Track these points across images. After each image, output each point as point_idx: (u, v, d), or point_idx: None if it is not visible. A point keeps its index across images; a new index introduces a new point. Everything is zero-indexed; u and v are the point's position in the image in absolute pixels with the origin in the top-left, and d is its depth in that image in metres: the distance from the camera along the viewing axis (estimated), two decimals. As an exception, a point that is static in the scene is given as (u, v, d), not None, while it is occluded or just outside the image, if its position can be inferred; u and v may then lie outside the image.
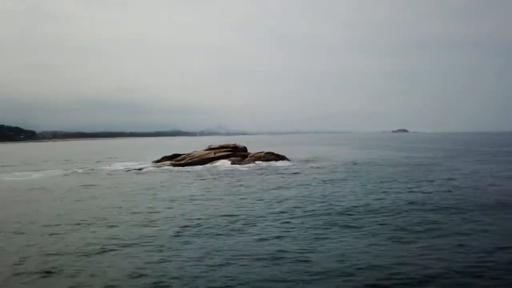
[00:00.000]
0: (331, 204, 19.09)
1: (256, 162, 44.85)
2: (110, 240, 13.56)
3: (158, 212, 18.36)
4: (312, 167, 39.52)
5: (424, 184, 25.58)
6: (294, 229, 14.57)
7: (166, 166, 43.56)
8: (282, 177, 31.22)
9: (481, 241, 12.62)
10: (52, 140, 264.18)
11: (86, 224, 16.08)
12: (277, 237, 13.54)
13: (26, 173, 38.61)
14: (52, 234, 14.67)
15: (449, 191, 22.55)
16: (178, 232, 14.50)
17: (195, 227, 15.23)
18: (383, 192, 22.73)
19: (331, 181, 28.11)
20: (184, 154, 49.78)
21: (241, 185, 26.79)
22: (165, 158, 48.84)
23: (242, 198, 21.60)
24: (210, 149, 49.96)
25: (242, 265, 10.82)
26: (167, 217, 17.04)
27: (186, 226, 15.28)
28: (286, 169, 37.87)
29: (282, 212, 17.58)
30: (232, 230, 14.68)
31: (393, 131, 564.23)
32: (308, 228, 14.82)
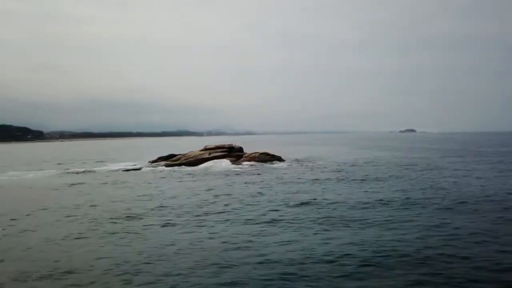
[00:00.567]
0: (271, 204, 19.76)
1: (250, 162, 45.40)
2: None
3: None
4: (303, 166, 39.97)
5: (399, 183, 26.52)
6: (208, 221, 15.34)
7: (161, 167, 44.25)
8: (258, 177, 31.74)
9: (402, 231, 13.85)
10: (59, 140, 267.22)
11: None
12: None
13: (22, 172, 39.55)
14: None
15: (422, 189, 23.41)
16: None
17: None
18: (355, 190, 23.66)
19: (313, 181, 28.59)
20: (179, 154, 50.49)
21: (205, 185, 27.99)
22: (161, 159, 49.51)
23: (188, 197, 22.70)
24: (205, 149, 50.54)
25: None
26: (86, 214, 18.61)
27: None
28: (275, 169, 38.42)
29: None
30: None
31: (401, 131, 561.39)
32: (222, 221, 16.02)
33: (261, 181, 29.04)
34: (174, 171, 38.62)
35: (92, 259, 11.66)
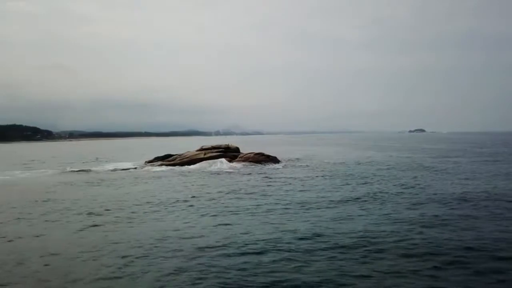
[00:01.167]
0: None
1: (243, 163, 45.71)
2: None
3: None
4: (296, 167, 40.20)
5: (383, 181, 27.21)
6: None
7: (156, 167, 44.79)
8: (236, 177, 32.04)
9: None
10: (68, 140, 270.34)
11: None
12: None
13: (16, 172, 40.38)
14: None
15: (401, 185, 24.15)
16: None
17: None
18: (338, 189, 24.03)
19: (298, 183, 28.72)
20: (176, 154, 51.03)
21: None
22: (157, 159, 50.12)
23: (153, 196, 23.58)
24: (201, 149, 51.04)
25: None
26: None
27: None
28: (267, 170, 38.67)
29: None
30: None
31: (410, 131, 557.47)
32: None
33: (247, 181, 29.33)
34: (166, 171, 39.11)
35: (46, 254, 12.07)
